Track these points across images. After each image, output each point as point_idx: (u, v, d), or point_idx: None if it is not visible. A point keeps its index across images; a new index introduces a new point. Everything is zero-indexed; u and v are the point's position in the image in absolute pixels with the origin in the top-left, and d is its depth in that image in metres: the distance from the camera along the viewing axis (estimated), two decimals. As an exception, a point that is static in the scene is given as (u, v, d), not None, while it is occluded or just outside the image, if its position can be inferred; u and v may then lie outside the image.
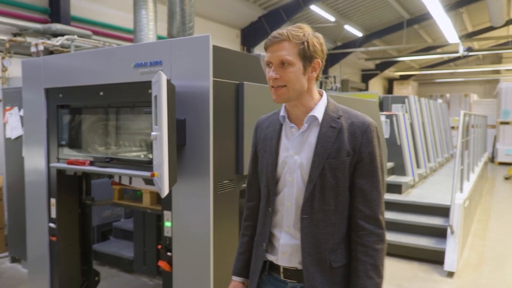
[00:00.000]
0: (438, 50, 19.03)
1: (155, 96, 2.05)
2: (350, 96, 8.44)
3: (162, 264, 2.47)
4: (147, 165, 2.53)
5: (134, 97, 2.58)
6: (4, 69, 5.85)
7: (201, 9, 9.68)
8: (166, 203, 2.45)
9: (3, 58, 5.85)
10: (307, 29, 1.45)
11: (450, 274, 4.42)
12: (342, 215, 1.46)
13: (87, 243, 3.44)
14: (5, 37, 5.86)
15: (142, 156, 2.83)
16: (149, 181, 2.72)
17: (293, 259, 1.48)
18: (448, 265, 4.46)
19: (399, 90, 24.05)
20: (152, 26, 5.78)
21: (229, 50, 2.49)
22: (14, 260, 4.79)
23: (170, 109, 1.99)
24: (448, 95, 19.63)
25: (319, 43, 1.45)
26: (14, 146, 4.54)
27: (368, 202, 1.44)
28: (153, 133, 2.06)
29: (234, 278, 1.67)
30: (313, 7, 11.25)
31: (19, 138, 4.46)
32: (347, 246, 1.48)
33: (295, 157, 1.47)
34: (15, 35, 6.05)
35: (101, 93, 2.73)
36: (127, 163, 2.70)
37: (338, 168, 1.43)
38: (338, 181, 1.43)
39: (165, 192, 1.98)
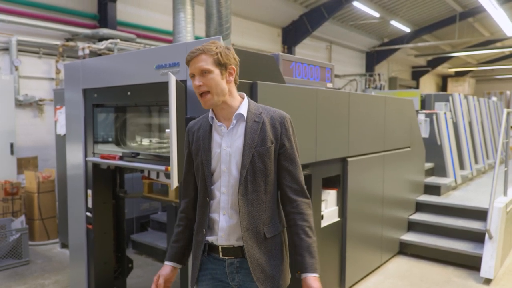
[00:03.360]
0: (498, 44, 17.85)
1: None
2: (384, 94, 8.21)
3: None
4: (166, 160, 2.70)
5: (156, 97, 2.76)
6: (58, 72, 6.37)
7: (241, 9, 9.84)
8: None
9: (57, 61, 6.37)
10: (218, 43, 1.72)
11: (487, 281, 4.21)
12: (271, 194, 1.75)
13: (120, 232, 3.70)
14: (58, 42, 6.38)
15: (167, 152, 3.01)
16: (168, 176, 2.89)
17: (231, 238, 1.72)
18: (485, 271, 4.25)
19: (454, 87, 22.84)
20: (190, 28, 6.02)
21: (243, 51, 2.59)
22: (63, 245, 5.23)
23: (179, 108, 2.13)
24: (508, 92, 18.36)
25: (231, 52, 1.73)
26: (63, 142, 4.95)
27: (295, 179, 1.76)
28: (167, 130, 2.21)
29: (166, 263, 1.87)
30: (356, 3, 11.04)
31: (66, 134, 4.87)
32: (276, 219, 1.77)
33: (227, 150, 1.71)
34: (67, 40, 6.56)
35: (129, 93, 2.95)
36: (150, 158, 2.89)
37: (265, 154, 1.70)
38: (266, 165, 1.71)
39: (174, 184, 2.12)
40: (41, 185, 5.32)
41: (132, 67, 2.90)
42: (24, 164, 6.03)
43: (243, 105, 1.75)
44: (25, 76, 6.22)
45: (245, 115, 1.72)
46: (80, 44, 6.46)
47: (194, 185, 1.84)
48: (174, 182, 2.10)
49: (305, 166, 3.11)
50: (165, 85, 2.61)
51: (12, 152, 5.58)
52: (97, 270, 3.46)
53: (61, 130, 4.98)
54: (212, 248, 1.75)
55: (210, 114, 1.76)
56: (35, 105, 6.32)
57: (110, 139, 3.41)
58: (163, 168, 2.61)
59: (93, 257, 3.43)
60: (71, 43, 6.44)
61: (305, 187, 1.78)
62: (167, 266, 1.85)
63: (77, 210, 3.52)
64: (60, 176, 5.13)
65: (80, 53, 6.16)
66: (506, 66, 21.33)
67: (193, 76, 1.69)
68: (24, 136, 6.21)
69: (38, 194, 5.30)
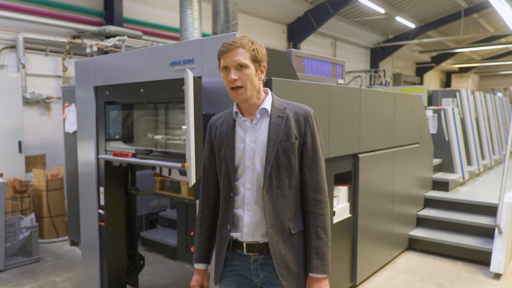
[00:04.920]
0: (502, 40, 17.75)
1: (185, 92, 2.20)
2: (394, 90, 8.20)
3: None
4: (181, 157, 2.70)
5: (170, 93, 2.76)
6: (65, 69, 6.38)
7: (247, 6, 9.83)
8: (198, 193, 2.60)
9: (63, 59, 6.38)
10: (251, 38, 1.71)
11: (497, 276, 4.21)
12: (294, 189, 1.73)
13: (132, 229, 3.71)
14: (65, 40, 6.39)
15: (181, 149, 3.01)
16: (183, 173, 2.89)
17: (256, 234, 1.70)
18: (495, 266, 4.25)
19: (457, 83, 22.79)
20: (197, 24, 6.01)
21: (257, 47, 2.58)
22: (73, 243, 5.26)
23: (196, 104, 2.13)
24: (512, 88, 18.27)
25: (263, 49, 1.74)
26: (72, 139, 4.96)
27: (314, 176, 1.72)
28: (183, 127, 2.21)
29: (197, 265, 1.86)
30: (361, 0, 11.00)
31: (76, 132, 4.87)
32: (302, 215, 1.75)
33: (251, 145, 1.70)
34: (74, 37, 6.56)
35: (142, 90, 2.95)
36: (164, 155, 2.89)
37: (289, 149, 1.68)
38: (290, 161, 1.69)
39: (192, 181, 2.12)
40: (49, 183, 5.34)
41: (145, 64, 2.90)
42: (32, 162, 6.05)
43: (267, 100, 1.73)
44: (32, 74, 6.23)
45: (269, 110, 1.71)
46: (87, 42, 6.46)
47: (215, 181, 1.82)
48: (192, 179, 2.10)
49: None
50: (179, 82, 2.62)
51: (20, 150, 5.60)
52: (110, 267, 3.47)
53: (70, 127, 4.99)
54: (236, 244, 1.74)
55: (234, 108, 1.75)
56: (42, 103, 6.33)
57: (117, 137, 3.41)
58: (178, 165, 2.61)
59: (105, 254, 3.44)
60: (77, 41, 6.44)
61: (324, 185, 1.74)
62: (201, 270, 1.85)
63: (89, 208, 3.53)
64: (69, 174, 5.14)
65: (88, 50, 6.17)
66: (510, 62, 21.22)
67: (225, 68, 1.67)
68: (31, 134, 6.23)
69: (46, 192, 5.32)
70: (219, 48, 1.68)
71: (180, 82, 2.60)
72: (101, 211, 3.42)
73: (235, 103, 1.76)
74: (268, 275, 1.71)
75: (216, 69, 2.44)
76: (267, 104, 1.72)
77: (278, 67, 2.74)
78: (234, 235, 1.73)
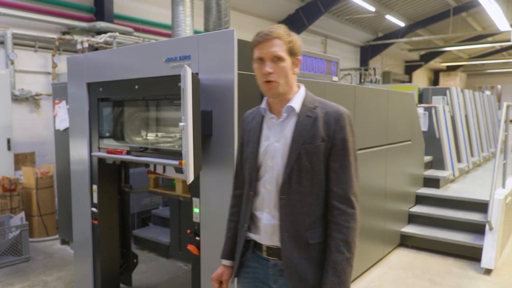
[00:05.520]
0: (489, 39, 18.01)
1: (183, 89, 2.18)
2: (387, 88, 8.27)
3: (191, 248, 2.62)
4: (178, 154, 2.68)
5: (166, 90, 2.73)
6: (54, 66, 6.27)
7: (238, 3, 9.79)
8: (194, 190, 2.59)
9: (53, 55, 6.27)
10: (287, 29, 1.59)
11: (488, 272, 4.28)
12: (317, 196, 1.58)
13: (126, 227, 3.67)
14: (54, 36, 6.28)
15: (176, 146, 2.99)
16: (179, 170, 2.87)
17: (274, 238, 1.61)
18: (486, 262, 4.31)
19: (445, 81, 23.05)
20: (189, 21, 5.96)
21: (254, 44, 2.56)
22: (63, 242, 5.19)
23: (195, 101, 2.11)
24: (499, 86, 18.59)
25: (299, 41, 1.61)
26: (63, 137, 4.89)
27: (340, 183, 1.56)
28: (180, 124, 2.19)
29: (224, 261, 1.80)
30: (352, -2, 11.06)
31: (67, 129, 4.79)
32: (323, 225, 1.59)
33: (275, 144, 1.60)
34: (63, 33, 6.46)
35: (136, 87, 2.91)
36: (159, 152, 2.87)
37: (313, 153, 1.55)
38: (314, 165, 1.56)
39: (190, 178, 2.11)
40: (39, 181, 5.25)
41: (140, 60, 2.86)
42: (21, 160, 5.95)
43: (297, 98, 1.61)
44: (21, 70, 6.11)
45: (297, 109, 1.59)
46: (77, 38, 6.36)
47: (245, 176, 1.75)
48: (191, 176, 2.08)
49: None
50: (175, 79, 2.59)
51: (9, 148, 5.50)
52: (103, 266, 3.43)
53: (61, 125, 4.92)
54: (257, 246, 1.66)
55: (263, 104, 1.66)
56: (32, 99, 6.22)
57: (108, 134, 3.36)
58: (175, 162, 2.58)
59: (99, 252, 3.40)
60: (67, 37, 6.34)
61: (352, 195, 1.56)
62: (227, 267, 1.79)
63: (82, 206, 3.48)
64: (60, 172, 5.07)
65: (79, 46, 6.07)
66: (496, 60, 21.57)
67: (260, 60, 1.56)
68: (20, 132, 6.12)
69: (36, 190, 5.24)
70: (254, 38, 1.58)
71: (176, 78, 2.57)
72: (94, 209, 3.38)
73: (265, 98, 1.66)
74: (286, 283, 1.60)
75: (213, 65, 2.44)
76: (295, 101, 1.60)
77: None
78: (254, 236, 1.66)
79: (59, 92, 4.96)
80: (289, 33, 1.57)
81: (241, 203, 1.76)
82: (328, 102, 1.64)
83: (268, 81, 1.55)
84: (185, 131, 2.11)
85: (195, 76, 2.16)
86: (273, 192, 1.60)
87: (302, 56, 3.16)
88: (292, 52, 1.56)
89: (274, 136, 1.62)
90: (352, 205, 1.56)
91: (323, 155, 1.56)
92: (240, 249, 1.69)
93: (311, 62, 3.29)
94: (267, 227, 1.61)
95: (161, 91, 2.78)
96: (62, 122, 4.89)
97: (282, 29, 1.56)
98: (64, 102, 4.85)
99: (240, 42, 2.38)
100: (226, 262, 1.79)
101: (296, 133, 1.57)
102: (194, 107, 2.09)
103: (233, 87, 2.33)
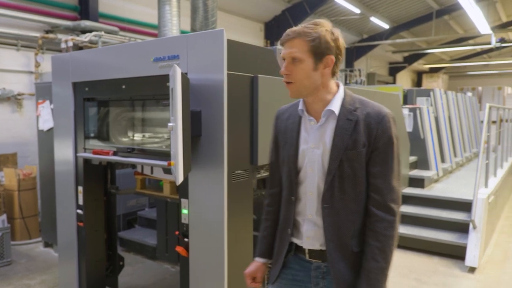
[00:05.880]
0: (470, 41, 18.39)
1: (172, 89, 2.15)
2: (374, 89, 8.35)
3: (180, 249, 2.59)
4: (166, 155, 2.65)
5: (154, 90, 2.69)
6: (37, 65, 6.15)
7: (225, 3, 9.76)
8: (183, 191, 2.56)
9: (36, 54, 6.14)
10: (323, 25, 1.48)
11: (472, 270, 4.36)
12: (361, 203, 1.53)
13: (112, 229, 3.62)
14: (38, 34, 6.15)
15: (164, 147, 2.95)
16: (167, 171, 2.84)
17: (316, 243, 1.58)
18: (470, 260, 4.40)
19: (428, 83, 23.45)
20: (176, 21, 5.92)
21: (244, 44, 2.56)
22: (46, 245, 5.08)
23: (184, 101, 2.09)
24: (480, 88, 18.99)
25: (334, 39, 1.48)
26: (46, 137, 4.79)
27: (380, 189, 1.49)
28: (169, 124, 2.16)
29: (258, 259, 1.78)
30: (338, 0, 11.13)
31: (50, 130, 4.70)
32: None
33: (315, 150, 1.54)
34: (47, 32, 6.33)
35: (124, 86, 2.87)
36: (147, 153, 2.83)
37: (355, 159, 1.49)
38: (356, 172, 1.50)
39: (180, 179, 2.08)
40: (21, 182, 5.14)
41: (127, 59, 2.82)
42: (3, 161, 5.80)
43: (336, 99, 1.53)
44: (2, 69, 5.96)
45: (337, 112, 1.51)
46: (61, 37, 6.24)
47: (281, 176, 1.69)
48: (180, 177, 2.06)
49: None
50: (163, 78, 2.56)
51: (-10, 149, 5.36)
52: (89, 269, 3.37)
53: (44, 125, 4.81)
54: (298, 248, 1.63)
55: (301, 105, 1.60)
56: (14, 99, 6.08)
57: (94, 135, 3.30)
58: (163, 163, 2.55)
59: (84, 255, 3.34)
60: (51, 35, 6.21)
61: (392, 202, 1.50)
62: (261, 264, 1.76)
63: (67, 208, 3.41)
64: (43, 173, 4.96)
65: (63, 45, 5.96)
66: (477, 62, 22.04)
67: (283, 60, 1.53)
68: (2, 132, 5.97)
69: (18, 192, 5.12)
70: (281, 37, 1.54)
71: (165, 78, 2.54)
72: (79, 211, 3.31)
73: (302, 98, 1.61)
74: (328, 285, 1.58)
75: (203, 65, 2.42)
76: (335, 104, 1.52)
77: (264, 65, 2.72)
78: (296, 240, 1.63)
79: (42, 91, 4.86)
80: (317, 30, 1.46)
81: (277, 202, 1.73)
82: (369, 102, 1.54)
83: (286, 82, 1.53)
84: (174, 131, 2.09)
85: (184, 76, 2.14)
86: (315, 199, 1.56)
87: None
88: (317, 52, 1.46)
89: (313, 141, 1.55)
90: (391, 213, 1.49)
91: (364, 161, 1.50)
92: (283, 251, 1.65)
93: (299, 63, 3.29)
94: (310, 232, 1.59)
95: (149, 91, 2.75)
96: (46, 123, 4.79)
97: (310, 27, 1.47)
98: (48, 102, 4.75)
99: (230, 42, 2.36)
100: (261, 260, 1.77)
101: (336, 138, 1.49)
102: (183, 107, 2.07)
103: (222, 87, 2.32)
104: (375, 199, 1.50)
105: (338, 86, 1.58)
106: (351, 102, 1.53)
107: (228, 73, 2.34)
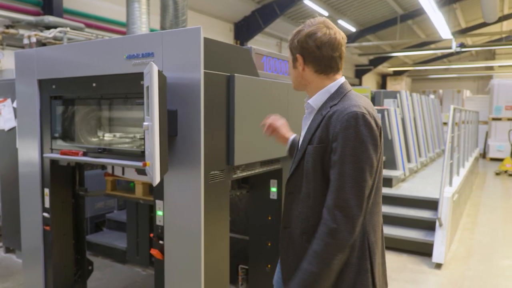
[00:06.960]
0: (432, 46, 19.13)
1: (147, 87, 2.09)
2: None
3: (154, 252, 2.52)
4: (140, 155, 2.57)
5: (127, 88, 2.61)
6: (-3, 61, 5.84)
7: (195, 2, 9.67)
8: (158, 192, 2.49)
9: (-5, 50, 5.84)
10: (305, 24, 1.58)
11: (438, 266, 4.52)
12: (318, 201, 1.47)
13: (80, 233, 3.48)
14: (-3, 29, 5.85)
15: (135, 147, 2.87)
16: (141, 172, 2.76)
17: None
18: (436, 257, 4.55)
19: (392, 85, 24.18)
20: (145, 19, 5.79)
21: (220, 43, 2.52)
22: (8, 250, 4.83)
23: (161, 100, 2.04)
24: (441, 91, 19.76)
25: (298, 39, 1.58)
26: (8, 137, 4.56)
27: (331, 192, 1.41)
28: (145, 123, 2.10)
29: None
30: (306, 1, 11.26)
31: (12, 129, 4.48)
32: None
33: (300, 140, 1.67)
34: (7, 27, 6.02)
35: (94, 85, 2.76)
36: (119, 153, 2.74)
37: (312, 154, 1.48)
38: (313, 167, 1.47)
39: (156, 180, 2.03)
40: (-20, 185, 4.85)
41: (98, 56, 2.72)
42: (-41, 162, 5.45)
43: (320, 94, 1.58)
44: (-42, 65, 5.63)
45: (316, 105, 1.58)
46: (23, 32, 5.96)
47: None
48: (157, 178, 2.00)
49: (275, 161, 3.12)
50: (137, 76, 2.49)
51: None
52: (56, 274, 3.22)
53: (6, 124, 4.58)
54: None
55: (306, 98, 1.73)
56: (-30, 97, 5.74)
57: (61, 135, 3.16)
58: (137, 164, 2.48)
59: (51, 260, 3.19)
60: (12, 31, 5.92)
61: (340, 209, 1.38)
62: (288, 131, 2.06)
63: (32, 211, 3.25)
64: (5, 175, 4.71)
65: (26, 41, 5.69)
66: (438, 66, 22.98)
67: None
68: (-42, 132, 5.61)
69: (-24, 195, 4.83)
70: None
71: (138, 76, 2.47)
72: (46, 214, 3.16)
73: None
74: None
75: (178, 63, 2.37)
76: (315, 98, 1.59)
77: (240, 64, 2.70)
78: None
79: (3, 89, 4.62)
80: (295, 33, 1.60)
81: None
82: (351, 100, 1.47)
83: None
84: (150, 131, 2.03)
85: (161, 74, 2.08)
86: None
87: (266, 57, 3.17)
88: (291, 52, 1.64)
89: (302, 132, 1.67)
90: (335, 220, 1.37)
91: (319, 158, 1.45)
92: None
93: (273, 63, 3.29)
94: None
95: (121, 89, 2.66)
96: (7, 122, 4.55)
97: (296, 31, 1.61)
98: (9, 100, 4.52)
99: (207, 40, 2.33)
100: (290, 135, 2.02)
101: (307, 131, 1.57)
102: (160, 106, 2.01)
103: (199, 86, 2.27)
104: (327, 202, 1.42)
105: (333, 82, 1.57)
106: (335, 97, 1.51)
107: (204, 72, 2.30)
